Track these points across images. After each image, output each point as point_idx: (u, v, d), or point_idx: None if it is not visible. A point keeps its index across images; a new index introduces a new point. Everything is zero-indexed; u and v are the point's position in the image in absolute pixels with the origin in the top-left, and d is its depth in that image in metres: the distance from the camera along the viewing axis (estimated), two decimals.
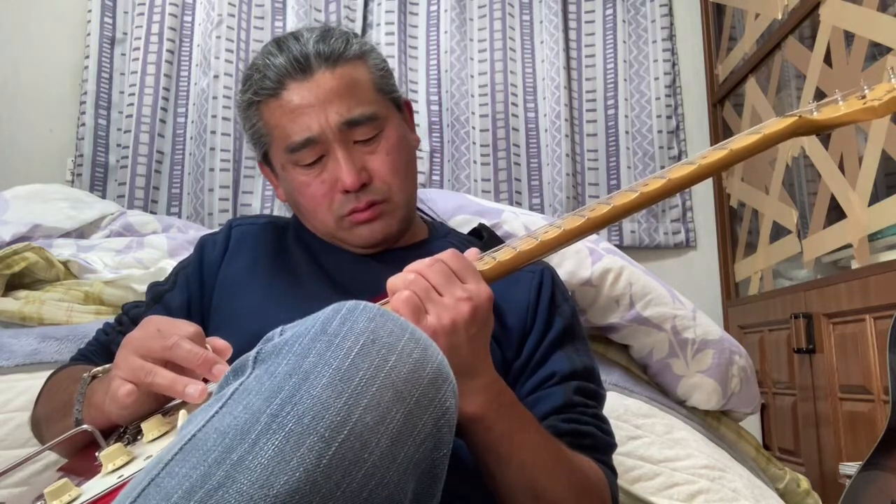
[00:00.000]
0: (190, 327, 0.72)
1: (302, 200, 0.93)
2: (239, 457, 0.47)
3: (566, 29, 2.57)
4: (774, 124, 0.78)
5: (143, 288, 1.31)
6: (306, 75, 0.88)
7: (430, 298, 0.68)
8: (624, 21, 2.58)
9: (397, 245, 0.98)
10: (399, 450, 0.51)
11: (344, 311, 0.54)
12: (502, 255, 0.75)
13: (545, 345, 0.89)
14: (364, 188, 0.90)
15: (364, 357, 0.52)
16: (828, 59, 1.82)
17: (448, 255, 0.71)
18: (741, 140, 0.76)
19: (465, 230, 1.17)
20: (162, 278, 1.04)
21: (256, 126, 0.94)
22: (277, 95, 0.89)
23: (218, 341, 0.74)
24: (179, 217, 2.31)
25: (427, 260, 0.71)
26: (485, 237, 1.06)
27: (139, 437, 0.68)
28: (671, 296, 1.24)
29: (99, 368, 0.79)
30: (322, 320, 0.54)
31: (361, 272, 0.94)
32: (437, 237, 1.03)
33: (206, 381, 0.70)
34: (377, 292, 0.86)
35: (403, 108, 1.00)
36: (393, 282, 0.70)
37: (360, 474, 0.48)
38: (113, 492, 0.59)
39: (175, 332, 0.70)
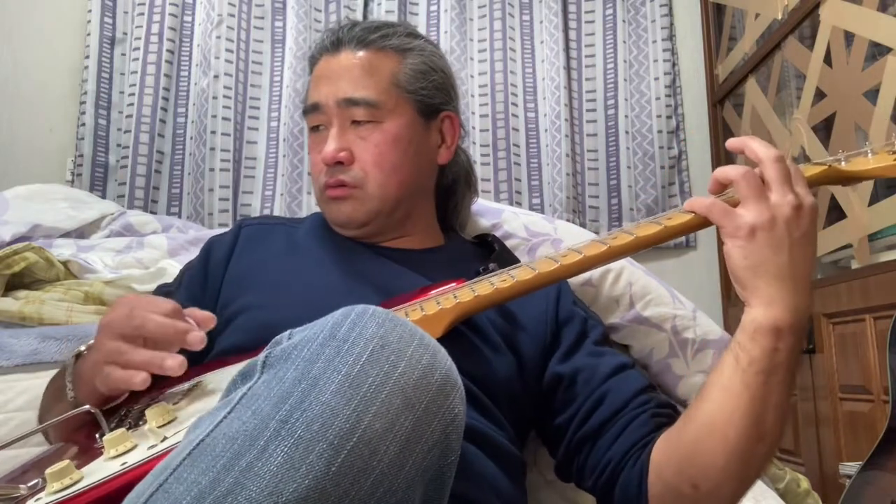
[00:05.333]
0: (165, 304, 0.75)
1: (309, 163, 0.99)
2: (248, 463, 0.47)
3: (566, 29, 2.56)
4: (803, 170, 0.76)
5: (143, 288, 1.31)
6: (335, 51, 0.97)
7: (759, 193, 0.69)
8: (624, 21, 2.58)
9: (414, 247, 0.99)
10: (407, 457, 0.51)
11: (353, 316, 0.54)
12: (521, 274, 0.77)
13: (592, 341, 0.92)
14: (340, 167, 0.93)
15: (373, 363, 0.51)
16: (828, 59, 1.82)
17: (781, 156, 0.71)
18: None
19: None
20: (162, 278, 1.05)
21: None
22: (315, 66, 1.00)
23: (199, 312, 0.77)
24: (179, 217, 2.31)
25: (763, 151, 0.71)
26: (497, 249, 1.05)
27: (141, 423, 0.69)
28: (671, 296, 1.24)
29: (82, 347, 0.81)
30: (331, 325, 0.54)
31: (373, 269, 0.94)
32: (452, 244, 1.05)
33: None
34: (387, 289, 0.86)
35: (438, 118, 1.00)
36: (724, 170, 0.72)
37: (368, 482, 0.48)
38: (116, 478, 0.59)
39: (146, 310, 0.73)
